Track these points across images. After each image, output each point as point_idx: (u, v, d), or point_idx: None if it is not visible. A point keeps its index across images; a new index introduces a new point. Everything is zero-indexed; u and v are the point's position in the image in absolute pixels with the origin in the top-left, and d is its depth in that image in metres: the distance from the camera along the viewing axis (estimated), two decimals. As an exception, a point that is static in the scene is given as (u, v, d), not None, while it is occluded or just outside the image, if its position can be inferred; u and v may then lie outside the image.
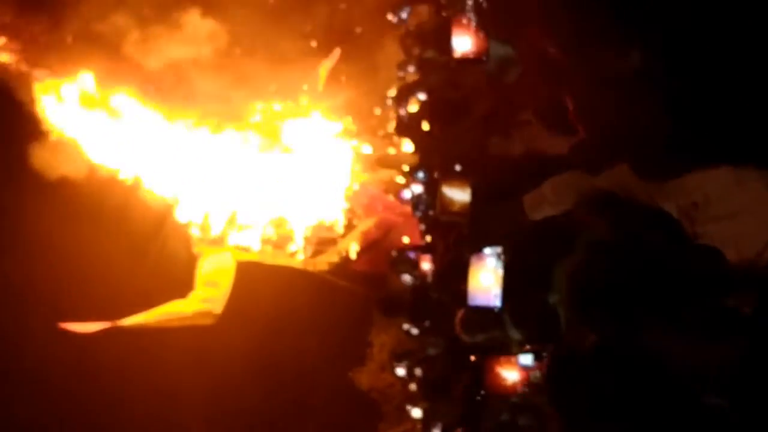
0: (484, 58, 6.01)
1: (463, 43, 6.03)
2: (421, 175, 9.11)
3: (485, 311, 5.11)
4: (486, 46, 5.96)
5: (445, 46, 6.22)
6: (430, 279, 9.22)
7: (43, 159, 12.28)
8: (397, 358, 10.91)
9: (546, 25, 4.63)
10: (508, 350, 5.00)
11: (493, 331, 5.13)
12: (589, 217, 4.18)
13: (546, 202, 4.60)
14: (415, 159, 9.96)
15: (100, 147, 12.75)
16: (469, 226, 5.77)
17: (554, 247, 4.34)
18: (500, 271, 5.03)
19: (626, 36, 4.21)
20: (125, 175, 12.78)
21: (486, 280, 5.05)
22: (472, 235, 5.54)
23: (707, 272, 3.57)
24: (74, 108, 12.65)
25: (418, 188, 9.81)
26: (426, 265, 9.37)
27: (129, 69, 12.64)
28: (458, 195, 5.72)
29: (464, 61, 6.07)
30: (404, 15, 11.61)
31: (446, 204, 5.73)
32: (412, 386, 10.28)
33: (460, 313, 5.43)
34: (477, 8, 5.69)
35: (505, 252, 5.02)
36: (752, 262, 3.54)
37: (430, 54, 9.02)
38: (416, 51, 9.88)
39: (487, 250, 5.07)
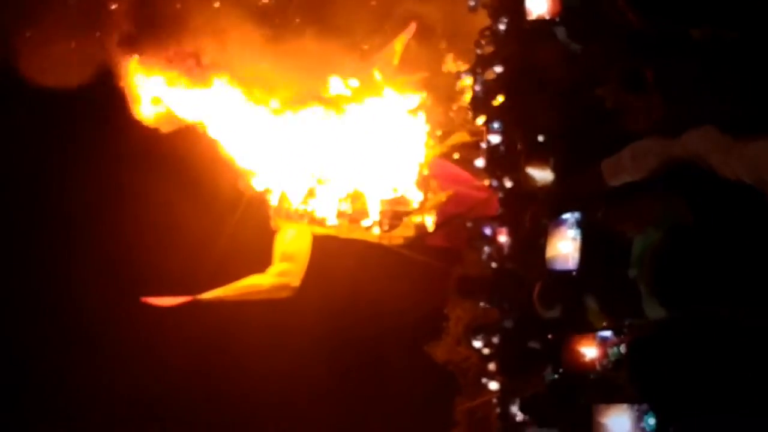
0: (558, 20, 5.94)
1: (538, 4, 5.96)
2: (501, 148, 8.99)
3: (563, 284, 5.06)
4: (560, 8, 5.88)
5: (520, 9, 6.16)
6: (506, 252, 9.13)
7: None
8: (473, 331, 10.86)
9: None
10: (586, 327, 4.93)
11: (571, 303, 5.07)
12: (666, 193, 4.10)
13: (625, 168, 4.51)
14: (493, 133, 9.85)
15: (187, 117, 12.90)
16: (548, 193, 5.72)
17: (632, 219, 4.26)
18: (578, 238, 4.99)
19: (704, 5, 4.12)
20: (211, 146, 12.91)
21: (564, 246, 5.02)
22: (551, 202, 5.49)
23: None
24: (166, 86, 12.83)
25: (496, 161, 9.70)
26: (503, 238, 9.27)
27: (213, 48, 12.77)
28: (540, 174, 5.69)
29: (539, 23, 5.99)
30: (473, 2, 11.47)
31: (529, 182, 5.70)
32: (489, 362, 10.21)
33: (537, 287, 5.38)
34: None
35: (583, 219, 4.97)
36: None
37: (505, 24, 8.92)
38: (496, 23, 9.75)
39: (566, 216, 5.03)
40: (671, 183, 4.18)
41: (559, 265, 5.09)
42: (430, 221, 13.34)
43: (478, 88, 10.73)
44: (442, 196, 13.21)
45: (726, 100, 4.01)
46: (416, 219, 13.50)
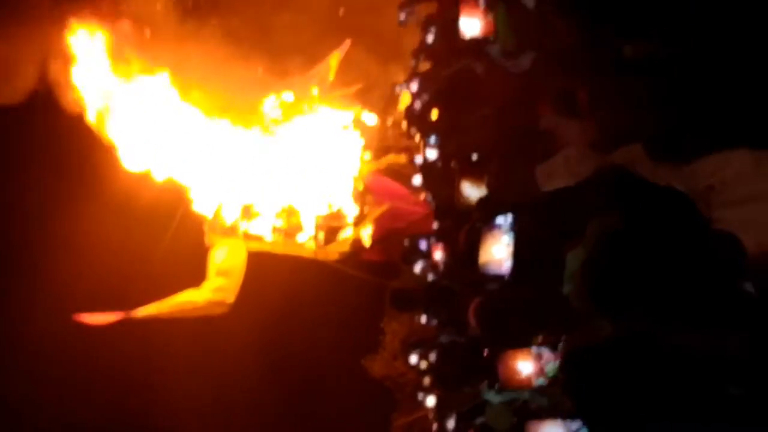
0: (492, 39, 5.98)
1: (472, 25, 5.99)
2: (438, 164, 9.02)
3: (497, 303, 5.09)
4: (493, 29, 5.93)
5: (455, 30, 6.19)
6: (442, 268, 9.15)
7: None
8: (410, 346, 10.87)
9: (560, 9, 4.58)
10: (523, 342, 4.96)
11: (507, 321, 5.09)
12: (601, 195, 4.13)
13: (558, 173, 4.57)
14: (429, 148, 9.90)
15: (117, 134, 12.77)
16: (482, 200, 5.75)
17: (565, 225, 4.29)
18: (512, 244, 5.00)
19: (638, 21, 4.17)
20: (139, 166, 12.78)
21: (498, 251, 5.03)
22: (485, 205, 5.52)
23: (724, 259, 3.52)
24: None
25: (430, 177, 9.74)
26: (438, 254, 9.29)
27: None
28: (474, 192, 5.72)
29: (472, 43, 6.03)
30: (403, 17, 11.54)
31: (462, 199, 5.72)
32: (426, 377, 10.23)
33: (474, 304, 5.40)
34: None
35: (516, 223, 4.99)
36: None
37: (441, 42, 8.96)
38: (429, 39, 9.80)
39: (499, 219, 5.03)
40: (602, 188, 4.22)
41: (493, 270, 5.09)
42: (366, 236, 13.36)
43: (413, 103, 10.76)
44: (379, 211, 13.24)
45: (661, 119, 4.06)
46: (352, 234, 13.52)
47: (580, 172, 4.37)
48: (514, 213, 4.88)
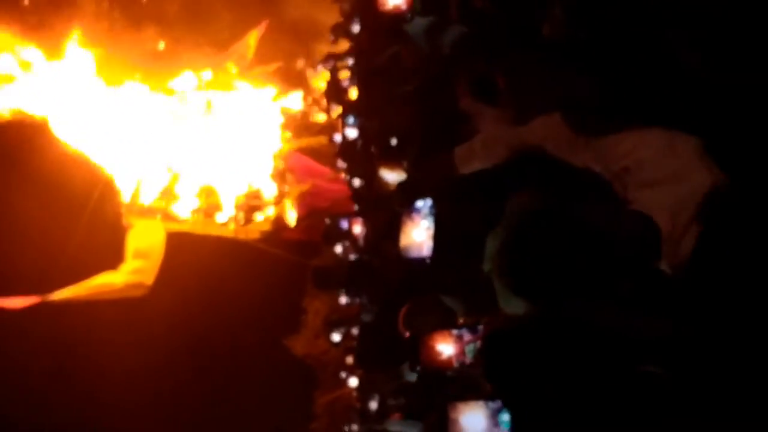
0: (408, 16, 5.98)
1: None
2: (358, 143, 9.01)
3: (427, 303, 5.10)
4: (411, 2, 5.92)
5: (373, 4, 6.16)
6: (361, 243, 9.16)
7: None
8: (332, 324, 10.90)
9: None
10: (445, 323, 4.99)
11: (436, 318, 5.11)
12: (516, 179, 4.16)
13: (476, 155, 4.57)
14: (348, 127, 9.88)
15: (31, 104, 12.54)
16: (401, 184, 5.75)
17: (483, 207, 4.32)
18: (432, 227, 5.02)
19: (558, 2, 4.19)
20: (57, 141, 12.56)
21: (418, 234, 5.05)
22: (404, 190, 5.52)
23: (639, 239, 3.57)
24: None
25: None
26: (357, 228, 9.28)
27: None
28: (393, 176, 5.73)
29: (390, 21, 6.02)
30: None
31: (382, 185, 5.73)
32: (348, 355, 10.27)
33: (403, 310, 5.42)
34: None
35: (435, 206, 5.00)
36: (682, 229, 3.55)
37: (360, 18, 8.93)
38: (348, 14, 9.77)
39: (419, 204, 5.05)
40: (519, 170, 4.25)
41: (414, 254, 5.11)
42: (287, 215, 13.32)
43: (332, 81, 10.73)
44: (299, 189, 13.19)
45: (579, 96, 4.09)
46: (273, 213, 13.47)
47: (499, 153, 4.39)
48: (433, 197, 4.89)
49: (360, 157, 8.31)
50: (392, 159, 5.92)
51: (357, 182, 8.62)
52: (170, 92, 13.29)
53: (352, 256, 9.62)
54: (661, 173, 3.63)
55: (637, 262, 3.53)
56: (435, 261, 4.94)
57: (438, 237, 4.85)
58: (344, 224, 10.29)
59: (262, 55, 13.76)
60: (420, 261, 4.96)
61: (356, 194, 8.84)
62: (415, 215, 4.94)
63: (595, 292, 3.46)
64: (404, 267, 5.54)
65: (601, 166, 3.76)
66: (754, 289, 3.36)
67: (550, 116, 4.11)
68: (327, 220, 11.11)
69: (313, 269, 11.83)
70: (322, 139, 13.24)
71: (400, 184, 5.58)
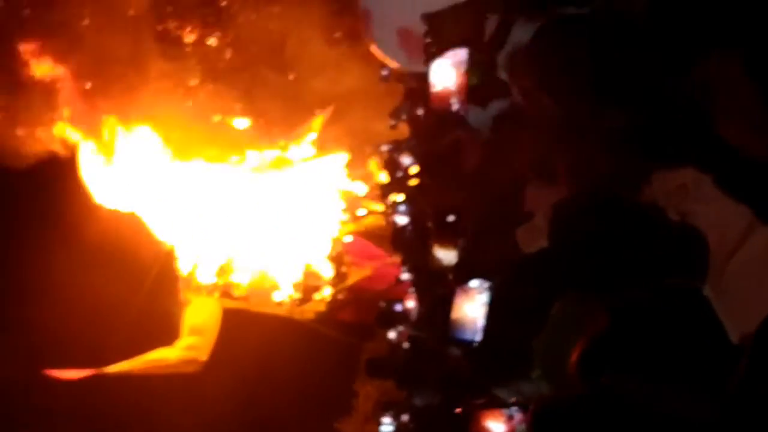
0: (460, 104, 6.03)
1: (444, 79, 6.03)
2: (408, 228, 9.04)
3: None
4: (466, 83, 5.96)
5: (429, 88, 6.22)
6: (413, 320, 9.12)
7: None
8: (383, 408, 10.80)
9: (539, 75, 4.62)
10: (496, 402, 4.94)
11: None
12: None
13: (540, 233, 4.55)
14: (406, 208, 9.94)
15: (98, 182, 12.77)
16: (457, 263, 5.73)
17: (544, 287, 4.28)
18: (487, 305, 4.96)
19: (614, 92, 4.22)
20: (118, 217, 12.76)
21: (471, 309, 4.99)
22: (461, 267, 5.49)
23: (687, 251, 3.56)
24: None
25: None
26: (410, 303, 9.25)
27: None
28: (447, 255, 5.72)
29: (444, 98, 6.06)
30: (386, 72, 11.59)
31: (435, 262, 5.71)
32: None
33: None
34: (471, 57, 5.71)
35: (492, 286, 4.95)
36: (730, 247, 3.52)
37: (417, 105, 9.02)
38: (407, 102, 9.88)
39: (474, 283, 5.00)
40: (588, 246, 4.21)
41: (465, 331, 5.05)
42: (342, 296, 13.35)
43: (391, 165, 10.80)
44: (359, 272, 13.24)
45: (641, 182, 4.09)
46: (329, 294, 13.49)
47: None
48: (490, 276, 4.86)
49: (413, 238, 8.33)
50: (447, 237, 5.91)
51: (408, 267, 8.64)
52: (233, 169, 13.47)
53: (406, 344, 9.58)
54: (716, 191, 3.61)
55: (682, 276, 3.51)
56: (486, 345, 4.89)
57: (492, 319, 4.80)
58: (398, 307, 10.26)
59: (325, 139, 13.93)
60: (469, 343, 4.90)
61: (410, 275, 8.84)
62: (470, 289, 4.90)
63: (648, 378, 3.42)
64: (455, 348, 5.50)
65: (657, 184, 3.74)
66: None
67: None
68: (382, 303, 11.09)
69: (366, 361, 11.76)
70: (380, 221, 13.30)
71: (457, 264, 5.56)
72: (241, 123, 13.63)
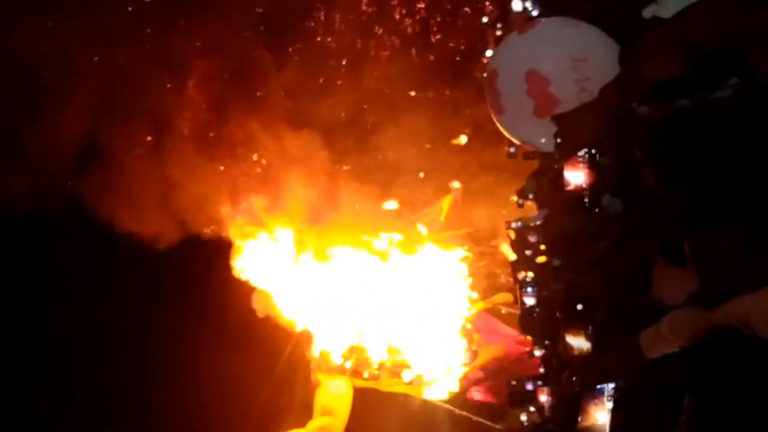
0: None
1: (575, 176, 6.07)
2: (536, 310, 8.97)
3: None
4: (595, 180, 5.99)
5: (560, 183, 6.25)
6: (547, 412, 9.01)
7: None
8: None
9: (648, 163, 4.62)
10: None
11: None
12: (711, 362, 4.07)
13: (665, 338, 4.47)
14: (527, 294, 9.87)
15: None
16: (584, 362, 5.68)
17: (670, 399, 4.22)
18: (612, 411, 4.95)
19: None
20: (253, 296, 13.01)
21: (601, 417, 4.97)
22: (587, 371, 5.45)
23: None
24: None
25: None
26: (543, 397, 9.16)
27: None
28: (578, 343, 5.69)
29: (576, 194, 6.09)
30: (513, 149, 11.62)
31: (567, 349, 5.69)
32: None
33: None
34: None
35: (617, 390, 4.92)
36: None
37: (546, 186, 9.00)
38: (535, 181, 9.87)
39: (602, 386, 4.98)
40: (711, 352, 4.15)
41: None
42: (473, 376, 13.23)
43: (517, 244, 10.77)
44: (491, 350, 13.13)
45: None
46: (459, 373, 13.39)
47: (688, 336, 4.30)
48: (616, 380, 4.81)
49: (539, 324, 8.27)
50: (577, 324, 5.88)
51: (538, 352, 8.57)
52: (362, 251, 13.60)
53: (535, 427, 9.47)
54: None
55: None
56: None
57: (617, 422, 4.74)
58: (529, 386, 10.14)
59: (453, 219, 13.98)
60: None
61: (542, 359, 8.75)
62: (598, 395, 4.87)
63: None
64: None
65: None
66: None
67: (740, 301, 4.04)
68: (513, 383, 10.96)
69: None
70: (508, 298, 13.21)
71: (582, 367, 5.52)
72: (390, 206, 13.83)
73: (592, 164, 5.83)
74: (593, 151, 5.92)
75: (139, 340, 14.94)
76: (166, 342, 14.64)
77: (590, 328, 5.63)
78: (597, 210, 6.06)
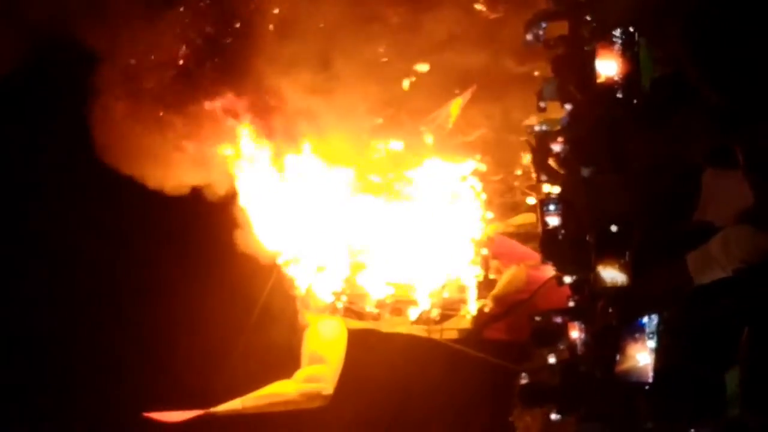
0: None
1: (608, 66, 5.96)
2: (561, 232, 8.88)
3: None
4: (630, 69, 5.88)
5: (589, 73, 6.13)
6: (580, 350, 8.98)
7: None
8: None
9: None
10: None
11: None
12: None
13: (716, 260, 4.39)
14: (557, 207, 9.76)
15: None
16: (620, 294, 5.59)
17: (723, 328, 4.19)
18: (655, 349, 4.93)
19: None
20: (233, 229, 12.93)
21: (642, 357, 4.95)
22: (627, 303, 5.37)
23: None
24: None
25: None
26: (574, 333, 9.11)
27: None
28: (612, 275, 5.58)
29: (609, 86, 5.97)
30: (540, 32, 11.45)
31: (600, 282, 5.59)
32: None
33: None
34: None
35: (663, 324, 4.89)
36: None
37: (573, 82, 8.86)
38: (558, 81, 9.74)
39: (644, 320, 4.95)
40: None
41: (635, 378, 5.02)
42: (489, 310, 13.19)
43: (542, 153, 10.67)
44: (510, 275, 13.05)
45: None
46: (473, 308, 13.35)
47: (743, 257, 4.21)
48: (659, 311, 4.74)
49: (565, 249, 8.20)
50: (611, 250, 5.76)
51: (568, 278, 8.48)
52: (355, 166, 13.45)
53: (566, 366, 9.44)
54: None
55: None
56: (658, 389, 4.80)
57: (667, 356, 4.72)
58: (557, 321, 10.10)
59: (463, 125, 13.84)
60: (641, 385, 4.85)
61: (572, 290, 8.70)
62: (638, 334, 4.82)
63: None
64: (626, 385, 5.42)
65: None
66: None
67: None
68: (537, 318, 10.92)
69: (519, 388, 11.60)
70: (531, 218, 13.14)
71: (620, 297, 5.42)
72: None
73: (627, 49, 5.68)
74: (631, 30, 5.78)
75: (110, 277, 15.06)
76: (135, 280, 14.76)
77: (626, 254, 5.49)
78: (634, 103, 5.92)
